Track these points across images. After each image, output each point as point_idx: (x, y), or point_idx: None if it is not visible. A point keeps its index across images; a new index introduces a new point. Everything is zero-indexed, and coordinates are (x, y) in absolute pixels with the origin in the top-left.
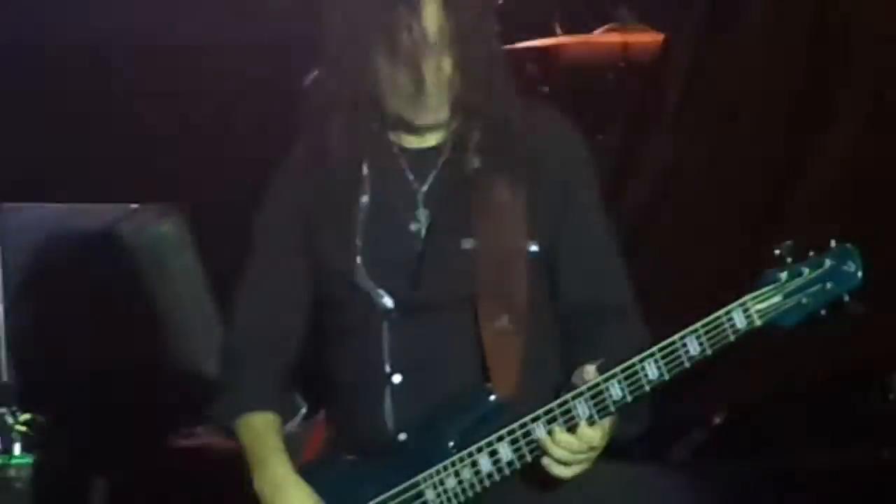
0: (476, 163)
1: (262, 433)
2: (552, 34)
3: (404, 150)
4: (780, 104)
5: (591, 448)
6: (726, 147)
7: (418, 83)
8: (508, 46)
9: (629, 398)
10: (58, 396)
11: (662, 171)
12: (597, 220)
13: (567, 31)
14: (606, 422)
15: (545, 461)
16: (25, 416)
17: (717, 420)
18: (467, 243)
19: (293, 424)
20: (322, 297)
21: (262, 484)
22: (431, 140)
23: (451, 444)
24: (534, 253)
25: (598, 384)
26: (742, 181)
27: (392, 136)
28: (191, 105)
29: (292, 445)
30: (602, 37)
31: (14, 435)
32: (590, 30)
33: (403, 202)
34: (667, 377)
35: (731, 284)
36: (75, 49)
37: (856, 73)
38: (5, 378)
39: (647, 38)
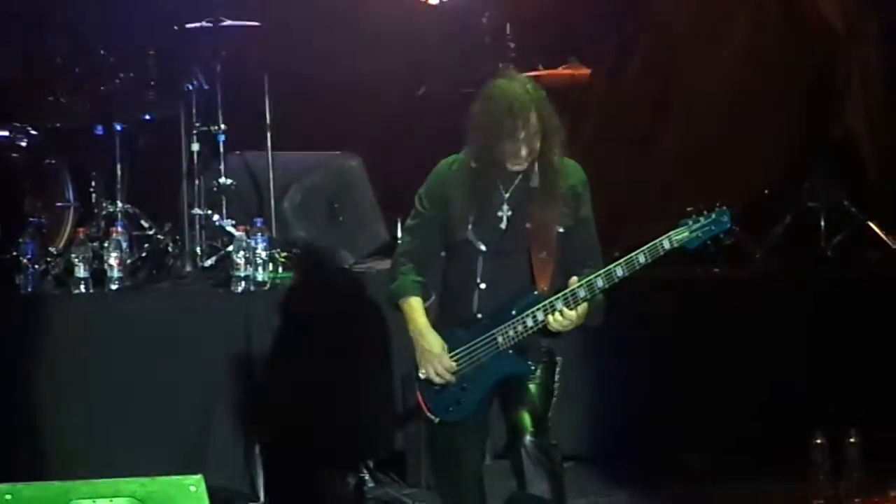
0: (535, 182)
1: (416, 308)
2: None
3: (499, 173)
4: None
5: (577, 319)
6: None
7: (520, 152)
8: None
9: (601, 289)
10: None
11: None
12: (591, 219)
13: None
14: (581, 308)
15: (553, 322)
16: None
17: None
18: (528, 224)
19: (427, 304)
20: (449, 243)
21: (414, 329)
22: (514, 169)
23: (514, 312)
24: (560, 232)
25: (582, 285)
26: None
27: (493, 169)
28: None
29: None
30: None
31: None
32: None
33: (497, 200)
34: (627, 275)
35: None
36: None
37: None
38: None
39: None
